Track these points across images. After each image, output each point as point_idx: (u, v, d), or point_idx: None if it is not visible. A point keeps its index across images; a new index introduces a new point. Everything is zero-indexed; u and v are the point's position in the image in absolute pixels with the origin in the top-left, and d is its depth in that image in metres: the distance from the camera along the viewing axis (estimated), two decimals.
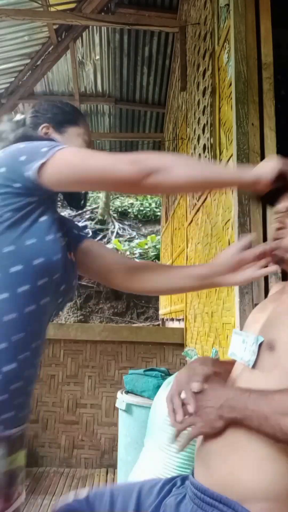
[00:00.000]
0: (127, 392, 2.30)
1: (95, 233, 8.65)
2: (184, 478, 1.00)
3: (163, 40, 4.24)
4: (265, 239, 1.53)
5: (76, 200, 1.10)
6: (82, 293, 6.81)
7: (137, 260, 6.85)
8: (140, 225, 9.12)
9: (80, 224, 9.16)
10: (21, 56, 4.28)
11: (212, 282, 0.99)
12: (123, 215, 9.35)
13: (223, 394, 0.82)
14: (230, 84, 1.78)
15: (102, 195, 9.32)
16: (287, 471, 0.77)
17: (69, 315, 6.01)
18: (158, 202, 9.00)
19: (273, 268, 0.92)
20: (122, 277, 1.05)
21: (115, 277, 1.07)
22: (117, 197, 10.13)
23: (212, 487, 0.82)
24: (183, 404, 0.85)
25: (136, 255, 7.55)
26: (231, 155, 1.72)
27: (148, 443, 1.76)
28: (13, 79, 4.53)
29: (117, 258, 1.12)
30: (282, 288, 1.00)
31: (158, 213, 8.45)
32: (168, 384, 1.91)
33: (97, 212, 9.24)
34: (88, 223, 8.96)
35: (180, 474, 1.49)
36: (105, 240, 8.42)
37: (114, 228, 8.77)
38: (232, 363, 0.97)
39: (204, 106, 2.34)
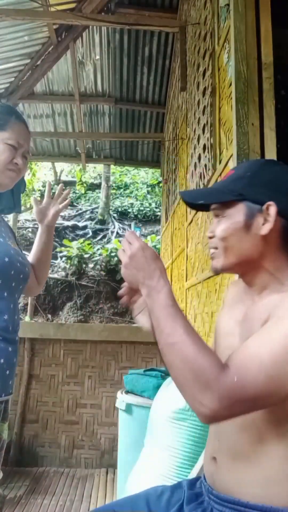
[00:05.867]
0: (127, 392, 2.30)
1: (95, 233, 8.65)
2: (192, 484, 0.97)
3: (163, 40, 4.23)
4: None
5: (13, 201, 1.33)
6: (82, 293, 6.81)
7: None
8: (140, 225, 9.11)
9: (80, 224, 9.17)
10: (21, 56, 4.28)
11: (46, 225, 1.42)
12: (123, 215, 9.34)
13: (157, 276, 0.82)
14: (230, 84, 1.78)
15: (102, 195, 9.33)
16: None
17: (69, 315, 6.01)
18: (158, 202, 9.00)
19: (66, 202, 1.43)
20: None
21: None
22: (117, 197, 10.14)
23: (244, 497, 0.80)
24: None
25: None
26: (231, 155, 1.72)
27: (148, 443, 1.76)
28: (13, 79, 4.53)
29: None
30: (241, 288, 0.98)
31: (158, 213, 8.45)
32: (168, 384, 1.92)
33: (97, 212, 9.24)
34: (88, 223, 8.96)
35: (180, 474, 1.49)
36: (105, 240, 8.42)
37: (114, 228, 8.76)
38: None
39: (204, 106, 2.34)
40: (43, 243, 1.41)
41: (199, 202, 0.93)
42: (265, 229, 0.85)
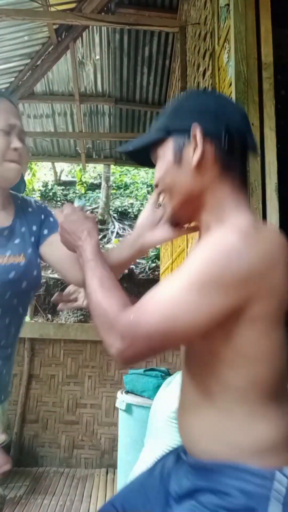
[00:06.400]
0: (127, 392, 2.30)
1: None
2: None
3: (163, 40, 4.23)
4: None
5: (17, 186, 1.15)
6: None
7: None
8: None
9: None
10: (21, 56, 4.28)
11: (141, 245, 1.01)
12: (123, 215, 9.34)
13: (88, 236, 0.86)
14: (230, 84, 1.78)
15: (102, 195, 9.33)
16: (278, 422, 0.74)
17: (69, 315, 6.01)
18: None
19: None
20: (72, 269, 1.07)
21: (65, 270, 1.11)
22: (117, 197, 10.14)
23: (197, 453, 0.78)
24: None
25: None
26: None
27: (148, 443, 1.76)
28: (13, 79, 4.53)
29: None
30: (197, 240, 0.96)
31: None
32: (168, 384, 1.92)
33: (97, 212, 9.24)
34: None
35: None
36: (105, 240, 8.43)
37: (114, 228, 8.76)
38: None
39: None
40: (126, 258, 1.02)
41: (129, 150, 0.90)
42: (196, 156, 0.78)
